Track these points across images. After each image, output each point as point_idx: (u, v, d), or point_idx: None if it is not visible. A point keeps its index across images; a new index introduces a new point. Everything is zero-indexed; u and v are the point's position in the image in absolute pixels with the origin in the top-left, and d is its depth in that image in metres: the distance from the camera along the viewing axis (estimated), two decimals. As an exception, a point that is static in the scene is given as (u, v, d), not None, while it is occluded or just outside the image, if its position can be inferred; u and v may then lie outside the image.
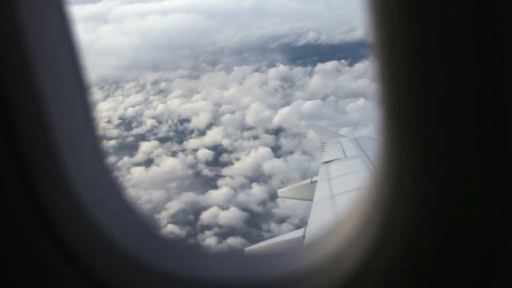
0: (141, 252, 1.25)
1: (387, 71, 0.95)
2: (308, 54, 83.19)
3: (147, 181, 50.77)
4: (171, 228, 42.62)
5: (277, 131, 58.20)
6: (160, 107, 69.79)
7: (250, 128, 60.32)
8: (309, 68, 76.50)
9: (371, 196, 1.12)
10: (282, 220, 40.92)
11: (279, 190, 14.96)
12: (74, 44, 1.21)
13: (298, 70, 76.41)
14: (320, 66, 75.52)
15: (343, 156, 12.38)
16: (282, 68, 77.13)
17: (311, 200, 10.30)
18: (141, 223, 1.34)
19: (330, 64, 74.79)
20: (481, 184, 0.96)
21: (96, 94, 76.56)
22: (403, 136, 0.97)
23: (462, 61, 0.89)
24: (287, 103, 66.36)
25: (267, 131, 58.62)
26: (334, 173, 11.27)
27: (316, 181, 11.41)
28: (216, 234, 41.87)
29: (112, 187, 1.34)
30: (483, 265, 1.02)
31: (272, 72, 76.61)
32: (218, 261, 1.33)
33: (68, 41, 1.20)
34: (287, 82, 73.54)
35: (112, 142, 61.33)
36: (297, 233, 9.32)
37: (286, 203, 39.80)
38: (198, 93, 74.00)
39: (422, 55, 0.90)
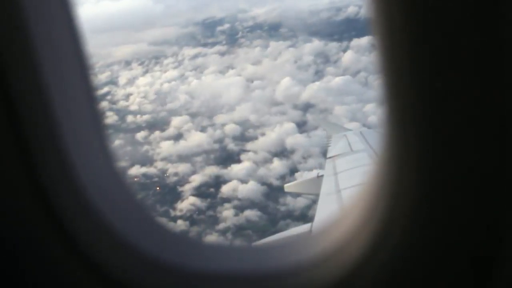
0: (148, 246, 1.26)
1: (390, 69, 0.95)
2: (345, 29, 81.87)
3: (175, 154, 52.51)
4: (192, 201, 44.19)
5: (304, 107, 58.51)
6: (194, 83, 71.15)
7: (279, 104, 60.84)
8: (344, 43, 75.59)
9: (373, 189, 1.13)
10: (298, 194, 41.38)
11: (285, 185, 15.15)
12: (79, 38, 1.21)
13: (333, 45, 75.56)
14: (355, 41, 74.53)
15: (349, 150, 12.45)
16: (317, 44, 76.57)
17: (318, 194, 10.37)
18: (147, 217, 1.35)
19: (366, 39, 73.49)
20: (482, 181, 0.97)
21: (135, 70, 78.87)
22: (406, 132, 0.98)
23: (463, 61, 0.89)
24: (318, 79, 66.27)
25: (294, 107, 59.02)
26: (340, 168, 11.32)
27: (322, 175, 11.47)
28: (234, 207, 43.13)
29: (119, 183, 1.34)
30: (482, 262, 1.02)
31: (307, 47, 76.29)
32: (223, 254, 1.35)
33: (73, 36, 1.20)
34: (321, 57, 73.14)
35: (146, 117, 63.37)
36: (304, 228, 9.33)
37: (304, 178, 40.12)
38: (232, 68, 74.91)
39: (424, 55, 0.90)
